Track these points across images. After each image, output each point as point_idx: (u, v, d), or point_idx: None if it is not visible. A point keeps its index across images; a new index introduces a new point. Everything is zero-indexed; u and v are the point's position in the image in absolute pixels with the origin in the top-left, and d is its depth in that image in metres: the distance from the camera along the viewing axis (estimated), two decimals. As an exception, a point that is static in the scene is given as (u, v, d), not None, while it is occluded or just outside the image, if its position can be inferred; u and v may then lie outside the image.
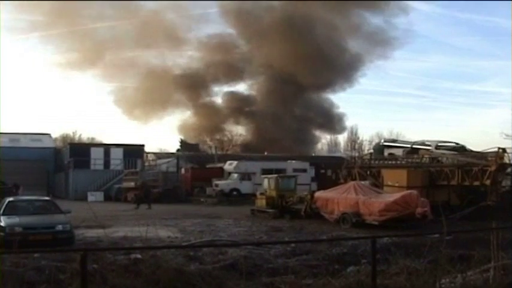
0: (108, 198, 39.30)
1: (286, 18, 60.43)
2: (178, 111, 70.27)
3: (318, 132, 70.98)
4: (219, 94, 70.33)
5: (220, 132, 68.32)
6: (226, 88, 69.40)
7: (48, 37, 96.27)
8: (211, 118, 66.50)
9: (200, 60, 66.88)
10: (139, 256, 10.23)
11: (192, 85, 65.46)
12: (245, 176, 39.81)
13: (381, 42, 66.31)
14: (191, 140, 67.61)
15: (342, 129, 72.47)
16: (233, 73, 66.86)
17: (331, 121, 69.00)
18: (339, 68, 65.23)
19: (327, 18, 63.08)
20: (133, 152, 46.31)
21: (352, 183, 23.47)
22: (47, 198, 18.64)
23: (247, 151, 61.42)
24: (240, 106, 67.98)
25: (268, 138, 62.42)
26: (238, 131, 69.03)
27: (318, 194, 23.90)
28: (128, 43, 67.60)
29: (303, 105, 65.57)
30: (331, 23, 63.34)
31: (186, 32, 68.37)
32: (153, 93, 65.23)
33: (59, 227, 13.86)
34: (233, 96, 68.60)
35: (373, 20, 67.66)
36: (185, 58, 69.76)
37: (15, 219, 13.96)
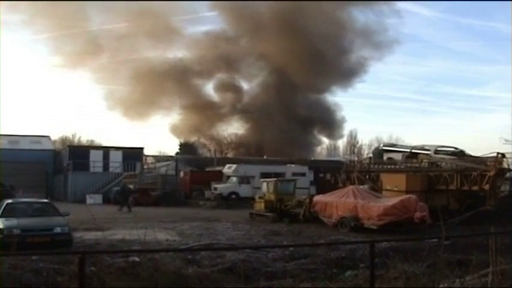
0: (107, 200, 39.22)
1: (282, 14, 60.27)
2: (174, 108, 70.06)
3: (317, 135, 70.94)
4: (214, 91, 70.14)
5: (215, 128, 68.17)
6: (222, 84, 68.95)
7: (46, 39, 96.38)
8: (206, 115, 66.31)
9: (195, 56, 66.73)
10: (137, 259, 10.21)
11: (187, 81, 65.37)
12: (244, 180, 39.82)
13: (376, 43, 66.37)
14: (184, 138, 67.55)
15: (340, 136, 72.60)
16: (229, 70, 66.75)
17: (331, 125, 68.90)
18: (335, 67, 65.13)
19: (323, 15, 62.85)
20: (133, 154, 46.27)
21: (351, 187, 23.46)
22: (45, 200, 18.63)
23: (243, 150, 61.34)
24: (235, 103, 67.91)
25: (264, 138, 62.20)
26: (233, 129, 68.93)
27: (316, 198, 23.87)
28: (124, 41, 67.50)
29: (302, 106, 65.23)
30: (327, 20, 63.11)
31: (182, 28, 68.48)
32: (149, 91, 65.15)
33: (57, 230, 13.82)
34: (226, 88, 68.08)
35: (367, 21, 67.68)
36: (180, 54, 69.44)
37: (13, 221, 13.93)
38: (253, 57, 66.05)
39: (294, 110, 64.00)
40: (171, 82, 64.97)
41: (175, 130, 69.35)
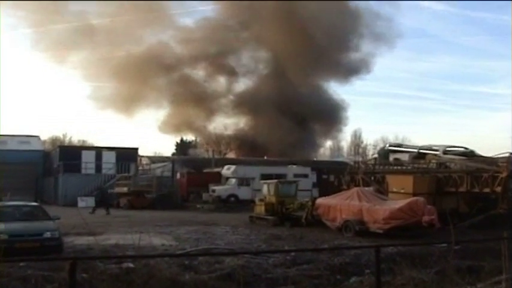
0: (99, 204, 39.18)
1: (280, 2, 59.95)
2: (165, 102, 69.41)
3: (318, 135, 70.44)
4: (207, 77, 69.09)
5: (208, 122, 67.74)
6: (216, 68, 67.65)
7: (31, 34, 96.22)
8: (199, 107, 65.93)
9: (188, 45, 66.28)
10: (131, 265, 10.22)
11: (179, 72, 65.08)
12: (243, 181, 39.78)
13: (377, 33, 65.90)
14: (174, 134, 67.11)
15: (339, 137, 72.53)
16: (224, 55, 66.34)
17: (333, 124, 68.45)
18: (336, 60, 64.72)
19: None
20: (127, 155, 46.23)
21: (355, 189, 23.44)
22: (34, 203, 18.60)
23: (238, 143, 60.91)
24: (228, 91, 67.53)
25: (260, 133, 61.83)
26: (229, 124, 68.50)
27: (319, 200, 23.88)
28: (115, 34, 67.05)
29: (302, 102, 64.46)
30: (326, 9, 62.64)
31: (177, 17, 68.05)
32: (139, 85, 64.63)
33: (47, 234, 13.79)
34: (220, 70, 67.15)
35: (367, 11, 67.01)
36: (172, 44, 68.85)
37: (0, 226, 13.89)
38: (250, 47, 65.74)
39: (292, 106, 63.08)
40: (162, 73, 64.47)
41: (165, 126, 68.61)
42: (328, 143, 76.33)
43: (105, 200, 33.17)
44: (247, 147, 62.73)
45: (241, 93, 67.11)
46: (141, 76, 63.40)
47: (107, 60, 65.34)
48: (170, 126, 67.42)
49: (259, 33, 63.14)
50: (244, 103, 64.86)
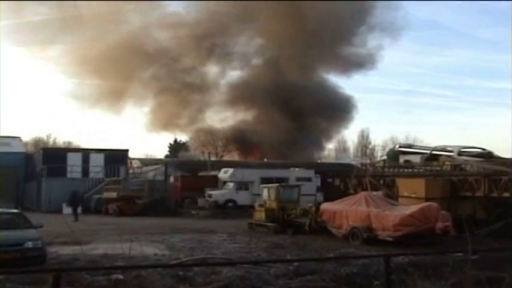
0: (86, 210, 39.16)
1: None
2: (153, 97, 68.94)
3: (323, 133, 70.02)
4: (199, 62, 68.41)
5: (202, 117, 67.59)
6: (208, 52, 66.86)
7: (8, 26, 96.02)
8: (191, 101, 65.78)
9: (179, 33, 65.81)
10: (121, 277, 10.18)
11: (170, 62, 64.93)
12: (242, 185, 39.81)
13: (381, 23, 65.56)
14: (160, 129, 66.96)
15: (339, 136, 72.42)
16: (219, 47, 66.25)
17: (338, 121, 68.19)
18: (337, 52, 64.55)
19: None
20: (116, 158, 46.24)
21: (363, 193, 23.46)
22: (15, 210, 18.61)
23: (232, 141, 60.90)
24: (221, 76, 67.55)
25: (255, 129, 61.72)
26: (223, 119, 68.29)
27: (324, 206, 23.91)
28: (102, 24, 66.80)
29: (302, 98, 63.70)
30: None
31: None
32: (128, 78, 64.48)
33: (29, 244, 13.75)
34: (212, 53, 66.78)
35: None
36: (163, 32, 68.29)
37: (-23, 235, 13.85)
38: (245, 34, 65.68)
39: (293, 102, 62.54)
40: (149, 64, 64.13)
41: (153, 123, 68.30)
42: (333, 144, 76.18)
43: (76, 204, 33.14)
44: (245, 147, 62.63)
45: (236, 85, 66.83)
46: (127, 69, 63.07)
47: (89, 52, 65.13)
48: (158, 123, 67.18)
49: (253, 16, 62.93)
50: (240, 97, 64.68)
